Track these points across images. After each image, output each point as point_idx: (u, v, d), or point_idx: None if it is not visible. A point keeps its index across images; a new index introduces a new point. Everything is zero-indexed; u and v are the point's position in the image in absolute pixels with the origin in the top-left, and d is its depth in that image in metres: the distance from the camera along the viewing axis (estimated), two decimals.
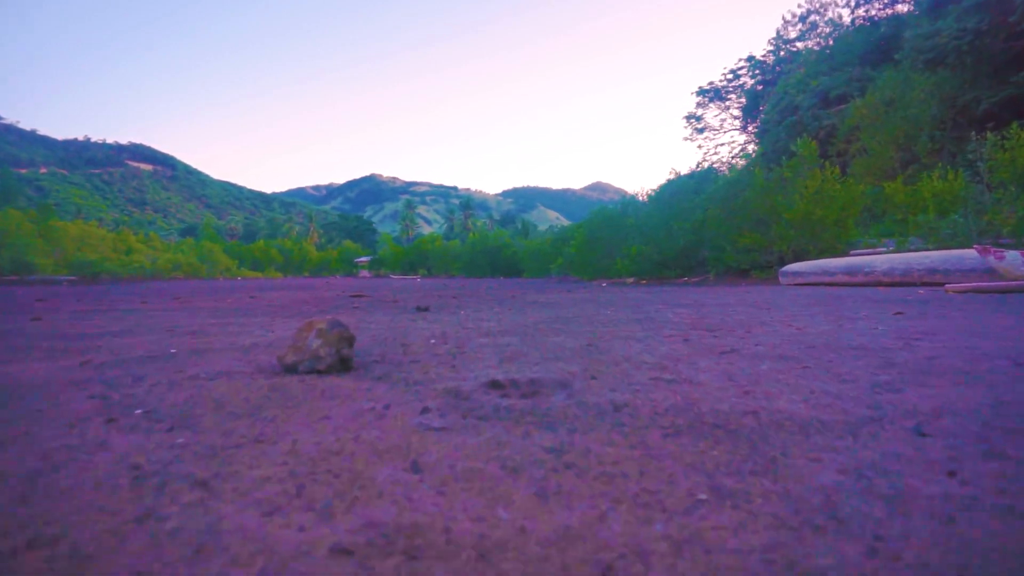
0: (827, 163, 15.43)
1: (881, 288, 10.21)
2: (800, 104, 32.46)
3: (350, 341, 2.18)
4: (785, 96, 34.66)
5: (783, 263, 14.84)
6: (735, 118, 51.11)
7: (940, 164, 14.47)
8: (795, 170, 14.84)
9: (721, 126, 53.30)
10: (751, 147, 50.40)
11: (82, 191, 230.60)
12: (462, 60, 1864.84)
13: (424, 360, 2.45)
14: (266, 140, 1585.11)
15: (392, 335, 3.44)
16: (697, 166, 46.37)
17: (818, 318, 4.25)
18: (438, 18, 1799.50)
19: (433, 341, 3.14)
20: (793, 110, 33.31)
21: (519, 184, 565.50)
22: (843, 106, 28.58)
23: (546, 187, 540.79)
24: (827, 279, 12.27)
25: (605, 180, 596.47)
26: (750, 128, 47.50)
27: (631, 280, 17.46)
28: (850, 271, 11.68)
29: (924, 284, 10.40)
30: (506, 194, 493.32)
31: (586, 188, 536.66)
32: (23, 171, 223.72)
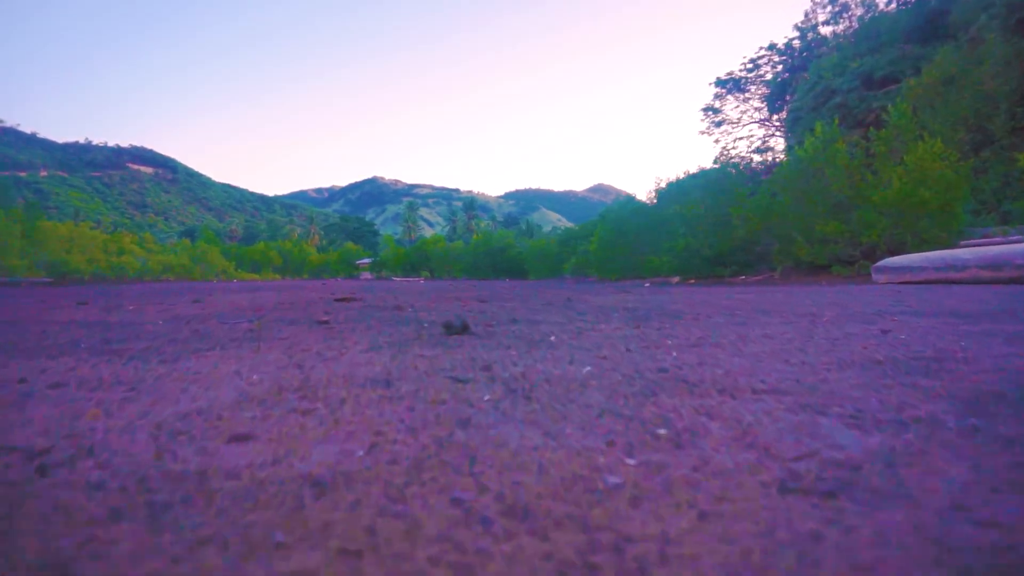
0: (927, 139, 12.59)
1: None
2: (838, 88, 29.73)
3: None
4: (820, 81, 31.93)
5: (871, 256, 12.12)
6: (756, 109, 48.34)
7: None
8: (888, 143, 12.08)
9: (740, 119, 50.49)
10: (772, 140, 47.69)
11: (82, 194, 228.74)
12: (463, 61, 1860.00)
13: None
14: (268, 143, 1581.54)
15: None
16: (715, 161, 43.76)
17: None
18: (438, 19, 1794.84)
19: None
20: (830, 95, 30.59)
21: (521, 186, 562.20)
22: (893, 87, 25.84)
23: (548, 189, 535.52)
24: (952, 275, 9.52)
25: (607, 182, 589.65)
26: (774, 119, 44.73)
27: (677, 279, 14.72)
28: (993, 264, 8.92)
29: None
30: (508, 196, 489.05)
31: (588, 190, 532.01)
32: (23, 174, 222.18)
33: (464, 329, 2.71)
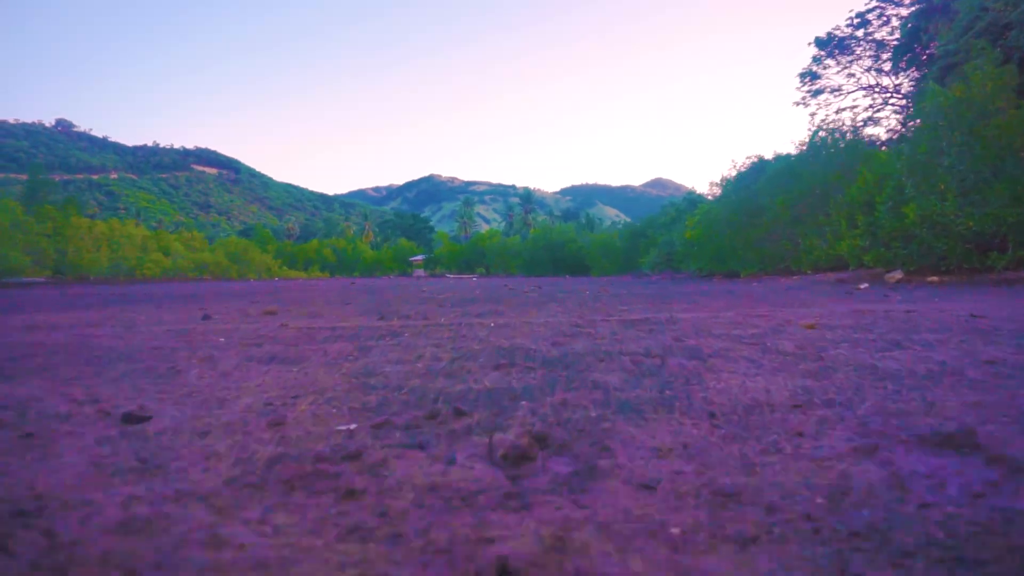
0: None
1: None
2: (1017, 20, 22.54)
3: None
4: (981, 16, 24.70)
5: None
6: (865, 72, 40.58)
7: None
8: None
9: (842, 86, 42.69)
10: (885, 110, 39.93)
11: (150, 195, 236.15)
12: (519, 57, 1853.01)
13: None
14: (328, 142, 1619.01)
15: None
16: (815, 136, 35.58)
17: None
18: (496, 17, 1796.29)
19: None
20: (1000, 31, 23.38)
21: (577, 182, 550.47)
22: None
23: (605, 184, 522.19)
24: None
25: (666, 176, 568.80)
26: (899, 78, 37.00)
27: (898, 276, 8.69)
28: None
29: None
30: (564, 191, 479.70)
31: (646, 185, 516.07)
32: (95, 176, 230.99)
33: None
